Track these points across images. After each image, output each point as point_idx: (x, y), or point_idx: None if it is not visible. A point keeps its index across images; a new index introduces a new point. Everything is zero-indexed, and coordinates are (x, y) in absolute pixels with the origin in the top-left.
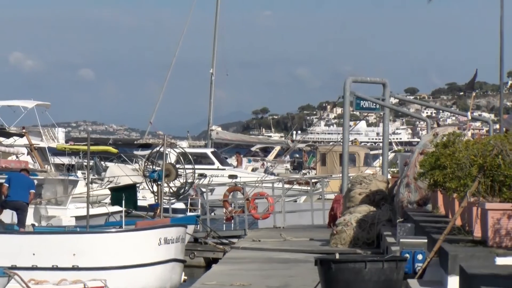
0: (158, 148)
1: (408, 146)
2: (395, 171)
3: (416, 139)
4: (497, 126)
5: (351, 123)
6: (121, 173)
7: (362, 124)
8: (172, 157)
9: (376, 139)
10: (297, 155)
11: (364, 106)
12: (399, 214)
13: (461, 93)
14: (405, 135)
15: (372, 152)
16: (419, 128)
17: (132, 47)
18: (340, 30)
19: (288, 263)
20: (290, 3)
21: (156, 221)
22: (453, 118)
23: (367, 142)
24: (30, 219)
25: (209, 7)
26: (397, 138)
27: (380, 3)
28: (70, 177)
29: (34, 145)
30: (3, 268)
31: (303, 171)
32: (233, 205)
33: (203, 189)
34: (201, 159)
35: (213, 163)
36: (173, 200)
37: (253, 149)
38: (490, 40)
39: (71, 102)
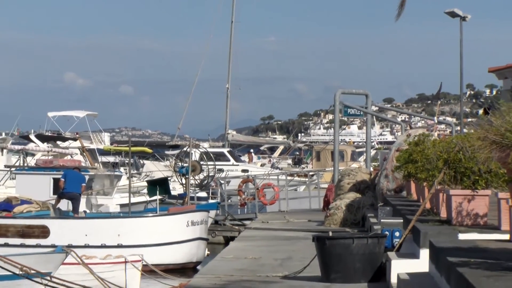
0: (185, 148)
1: (387, 145)
2: (376, 165)
3: (394, 139)
4: (458, 128)
5: (346, 127)
6: (155, 168)
7: (354, 128)
8: (196, 155)
9: (374, 139)
10: (297, 153)
11: (351, 113)
12: (380, 199)
13: (429, 102)
14: (389, 136)
15: (357, 150)
16: (395, 130)
17: (163, 67)
18: (329, 52)
19: (290, 240)
20: (289, 31)
21: (185, 207)
22: (423, 122)
23: (359, 142)
24: (82, 207)
25: (225, 34)
26: (383, 139)
27: (361, 30)
28: (115, 173)
29: (85, 147)
30: (62, 246)
31: (302, 165)
32: (246, 193)
33: (222, 181)
34: (220, 157)
35: (229, 160)
36: (198, 190)
37: (261, 148)
38: (452, 58)
39: (115, 112)
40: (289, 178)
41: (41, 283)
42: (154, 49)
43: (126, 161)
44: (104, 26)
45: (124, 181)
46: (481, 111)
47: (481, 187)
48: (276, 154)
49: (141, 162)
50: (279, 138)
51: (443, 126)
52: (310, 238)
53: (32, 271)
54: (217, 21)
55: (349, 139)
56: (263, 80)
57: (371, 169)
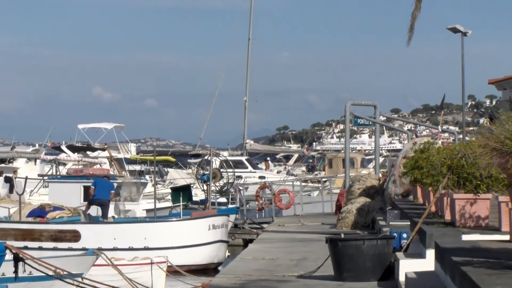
0: (206, 157)
1: (395, 152)
2: (385, 171)
3: (402, 147)
4: (461, 136)
5: (357, 136)
6: (178, 176)
7: (365, 137)
8: (217, 163)
9: (382, 148)
10: (311, 161)
11: (360, 123)
12: (388, 203)
13: (433, 112)
14: (398, 144)
15: (367, 157)
16: (402, 139)
17: (185, 82)
18: (340, 65)
19: (305, 241)
20: (302, 47)
21: (206, 212)
22: (427, 131)
23: (370, 149)
24: (111, 213)
25: (242, 51)
26: (392, 147)
27: (370, 45)
28: (141, 180)
29: (113, 157)
30: (93, 249)
31: (315, 172)
32: (263, 199)
33: (240, 187)
34: (238, 164)
35: (247, 167)
36: (218, 196)
37: (277, 156)
38: (454, 70)
39: (140, 124)
40: (303, 184)
41: (73, 284)
42: (176, 65)
43: (151, 169)
44: (129, 44)
45: (149, 188)
46: (482, 120)
47: (483, 191)
48: (291, 161)
49: (165, 170)
50: (294, 147)
51: (446, 134)
52: (323, 240)
53: (64, 273)
54: (235, 38)
55: (361, 147)
56: (278, 92)
57: (380, 175)
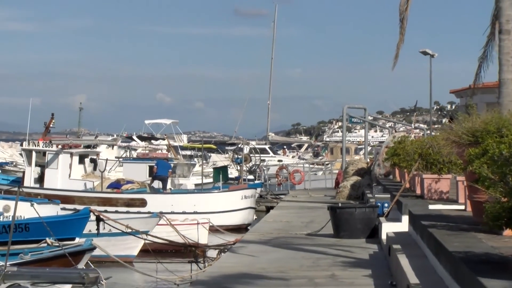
0: (239, 145)
1: (379, 143)
2: (372, 157)
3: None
4: (428, 131)
5: (356, 130)
6: (218, 159)
7: (362, 131)
8: (247, 150)
9: (370, 140)
10: (316, 149)
11: (354, 121)
12: (374, 181)
13: (408, 113)
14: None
15: (359, 147)
16: (384, 133)
17: (224, 90)
18: (340, 77)
19: (312, 209)
20: (311, 65)
21: (239, 186)
22: (404, 127)
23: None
24: (169, 186)
25: (266, 67)
26: (383, 139)
27: (361, 62)
28: (191, 162)
29: (171, 144)
30: (156, 213)
31: (320, 157)
32: (281, 176)
33: (264, 168)
34: (263, 151)
35: (269, 153)
36: (248, 174)
37: (292, 145)
38: (424, 83)
39: (191, 120)
40: (311, 166)
41: (141, 238)
42: (218, 77)
43: (199, 154)
44: (184, 61)
45: (197, 168)
46: (444, 120)
47: (445, 172)
48: (302, 149)
49: (209, 154)
50: (304, 138)
51: (418, 130)
52: (326, 207)
53: (135, 230)
54: (261, 58)
55: (359, 139)
56: (293, 98)
57: (368, 160)
